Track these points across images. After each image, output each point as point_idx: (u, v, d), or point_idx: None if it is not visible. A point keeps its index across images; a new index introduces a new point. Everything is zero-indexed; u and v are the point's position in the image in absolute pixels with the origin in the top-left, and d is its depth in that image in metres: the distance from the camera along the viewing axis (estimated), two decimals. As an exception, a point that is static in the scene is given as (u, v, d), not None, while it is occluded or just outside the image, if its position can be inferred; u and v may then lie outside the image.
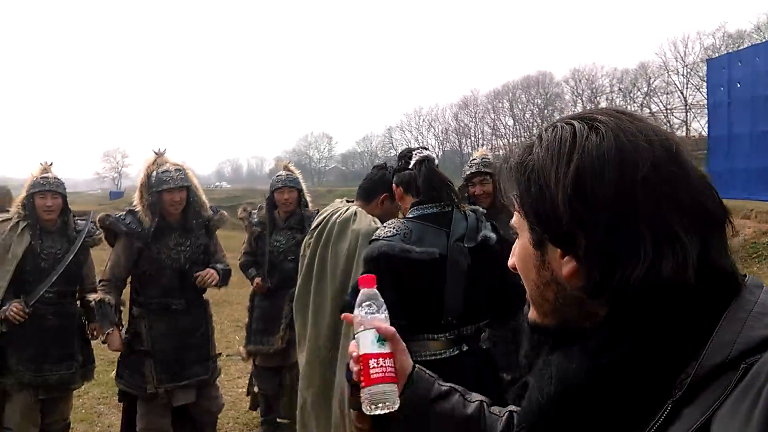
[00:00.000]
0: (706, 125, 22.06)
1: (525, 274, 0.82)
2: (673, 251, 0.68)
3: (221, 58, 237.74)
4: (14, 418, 3.67)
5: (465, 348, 2.35)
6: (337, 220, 2.90)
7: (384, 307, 1.05)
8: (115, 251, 3.67)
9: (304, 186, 4.66)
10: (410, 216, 2.35)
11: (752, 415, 0.58)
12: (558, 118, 0.83)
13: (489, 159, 3.86)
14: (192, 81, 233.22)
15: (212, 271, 3.76)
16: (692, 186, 0.71)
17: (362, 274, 2.23)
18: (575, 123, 0.75)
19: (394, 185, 2.54)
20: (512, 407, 1.10)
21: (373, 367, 0.98)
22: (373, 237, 2.35)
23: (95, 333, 4.08)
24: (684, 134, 38.45)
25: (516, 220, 0.82)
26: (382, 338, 1.01)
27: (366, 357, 0.99)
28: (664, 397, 0.67)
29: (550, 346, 0.83)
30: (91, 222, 3.99)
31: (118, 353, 3.73)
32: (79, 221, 3.98)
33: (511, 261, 0.86)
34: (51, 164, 3.93)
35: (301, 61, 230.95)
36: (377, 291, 1.06)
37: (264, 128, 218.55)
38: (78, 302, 4.03)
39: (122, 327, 3.74)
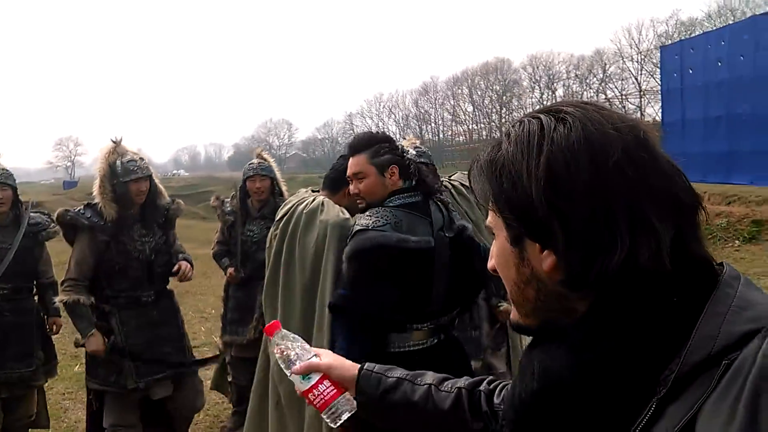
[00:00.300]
0: (660, 111, 22.60)
1: (505, 274, 0.81)
2: (647, 238, 0.68)
3: (176, 42, 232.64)
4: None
5: (442, 337, 2.35)
6: (304, 211, 2.82)
7: (288, 341, 1.17)
8: (79, 247, 3.48)
9: (278, 174, 4.55)
10: (393, 205, 2.29)
11: (736, 411, 0.59)
12: (517, 104, 0.82)
13: (422, 149, 3.73)
14: (146, 66, 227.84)
15: (187, 264, 3.69)
16: (662, 171, 0.71)
17: (355, 268, 2.21)
18: (542, 116, 0.75)
19: (393, 165, 2.32)
20: (461, 383, 1.15)
21: (314, 398, 1.13)
22: (359, 227, 2.23)
23: (55, 328, 3.99)
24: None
25: (491, 219, 0.81)
26: (305, 376, 1.15)
27: (305, 394, 1.15)
28: (648, 394, 0.67)
29: (530, 343, 0.83)
30: (36, 212, 3.87)
31: (83, 349, 3.54)
32: (32, 214, 3.86)
33: (491, 263, 0.84)
34: None
35: (259, 45, 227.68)
36: (284, 332, 1.18)
37: (222, 114, 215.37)
38: (35, 298, 3.92)
39: None
